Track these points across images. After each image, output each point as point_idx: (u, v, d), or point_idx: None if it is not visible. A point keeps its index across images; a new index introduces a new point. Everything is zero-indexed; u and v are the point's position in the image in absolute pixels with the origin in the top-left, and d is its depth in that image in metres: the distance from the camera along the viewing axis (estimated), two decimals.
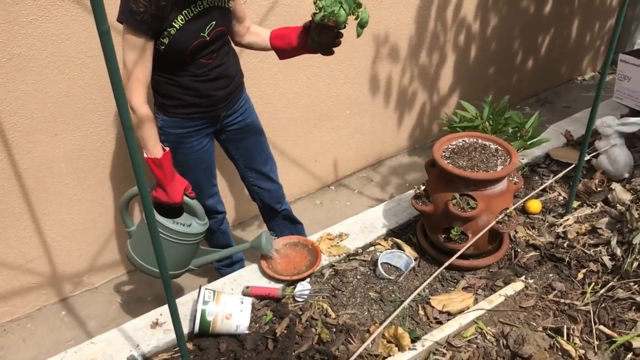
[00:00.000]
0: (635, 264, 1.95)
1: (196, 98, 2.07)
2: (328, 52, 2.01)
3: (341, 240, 2.27)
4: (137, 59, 1.84)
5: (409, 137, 3.93)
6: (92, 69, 2.42)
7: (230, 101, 2.19)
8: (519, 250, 2.16)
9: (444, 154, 2.07)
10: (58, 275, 2.76)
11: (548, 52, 4.51)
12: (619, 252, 2.05)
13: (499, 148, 2.08)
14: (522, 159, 2.64)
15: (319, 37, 1.95)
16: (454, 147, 2.11)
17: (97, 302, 2.83)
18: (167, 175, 1.99)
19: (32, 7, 2.19)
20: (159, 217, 2.02)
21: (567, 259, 2.07)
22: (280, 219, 2.64)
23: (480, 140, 2.14)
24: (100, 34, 1.00)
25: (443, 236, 2.03)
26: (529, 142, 2.49)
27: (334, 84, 3.28)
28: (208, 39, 1.96)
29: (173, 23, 1.85)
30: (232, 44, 2.21)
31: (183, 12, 1.86)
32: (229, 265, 2.69)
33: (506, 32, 4.06)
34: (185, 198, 2.07)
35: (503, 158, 2.02)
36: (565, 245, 2.15)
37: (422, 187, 2.15)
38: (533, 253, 2.14)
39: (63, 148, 2.50)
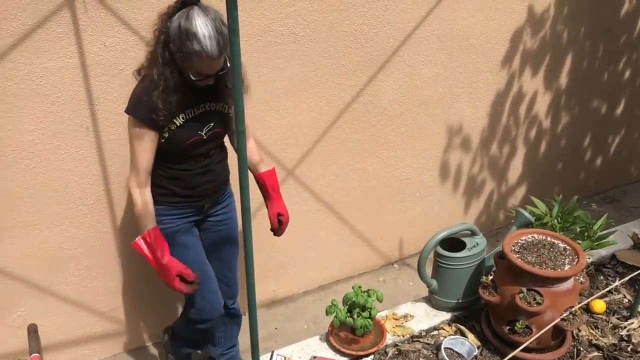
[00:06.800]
0: None
1: (182, 189, 2.22)
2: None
3: (406, 321, 2.38)
4: (140, 147, 2.07)
5: (475, 223, 4.00)
6: None
7: (215, 194, 2.34)
8: (581, 348, 2.20)
9: (513, 248, 2.18)
10: (137, 325, 2.98)
11: (617, 152, 4.56)
12: None
13: (567, 247, 2.17)
14: (588, 258, 2.68)
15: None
16: (524, 242, 2.22)
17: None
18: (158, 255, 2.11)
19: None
20: (457, 254, 2.38)
21: None
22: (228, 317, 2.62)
23: (549, 238, 2.23)
24: (237, 134, 1.23)
25: (507, 328, 2.11)
26: (596, 243, 2.56)
27: (406, 168, 3.46)
28: (205, 137, 2.16)
29: (174, 120, 2.07)
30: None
31: (185, 112, 2.09)
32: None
33: (576, 130, 4.16)
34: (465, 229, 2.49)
35: (571, 257, 2.11)
36: (629, 349, 2.18)
37: (490, 277, 2.25)
38: (596, 353, 2.18)
39: None
